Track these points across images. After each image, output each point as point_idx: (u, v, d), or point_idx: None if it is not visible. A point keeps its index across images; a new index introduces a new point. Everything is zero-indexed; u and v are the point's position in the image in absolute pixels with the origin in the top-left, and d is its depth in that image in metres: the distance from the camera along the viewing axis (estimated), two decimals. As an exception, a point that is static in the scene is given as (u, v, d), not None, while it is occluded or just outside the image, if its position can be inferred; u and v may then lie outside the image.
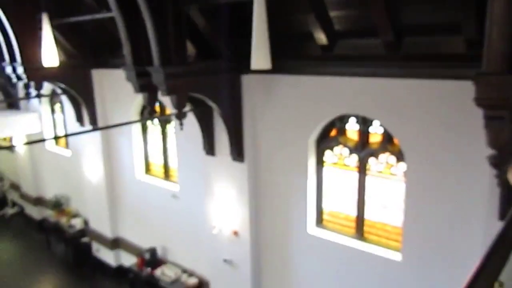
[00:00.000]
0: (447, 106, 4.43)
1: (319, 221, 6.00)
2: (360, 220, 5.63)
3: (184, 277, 7.87)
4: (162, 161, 8.30)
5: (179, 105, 5.28)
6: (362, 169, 5.46)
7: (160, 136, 8.19)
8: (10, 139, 13.38)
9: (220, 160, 6.54)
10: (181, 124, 5.41)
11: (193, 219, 7.60)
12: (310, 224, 5.96)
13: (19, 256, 11.52)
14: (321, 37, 4.90)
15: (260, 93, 5.97)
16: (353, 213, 5.69)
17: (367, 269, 5.45)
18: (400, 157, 5.07)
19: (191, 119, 6.29)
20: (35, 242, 11.83)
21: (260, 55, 3.44)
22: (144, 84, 5.41)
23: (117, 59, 7.66)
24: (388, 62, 4.66)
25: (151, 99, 5.57)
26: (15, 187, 13.78)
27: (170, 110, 7.26)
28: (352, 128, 5.49)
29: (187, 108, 5.79)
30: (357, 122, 5.40)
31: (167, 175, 8.28)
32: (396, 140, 5.05)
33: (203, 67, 5.55)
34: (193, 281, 7.73)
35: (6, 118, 10.85)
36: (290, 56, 5.32)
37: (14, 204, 13.87)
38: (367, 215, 5.59)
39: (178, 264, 8.24)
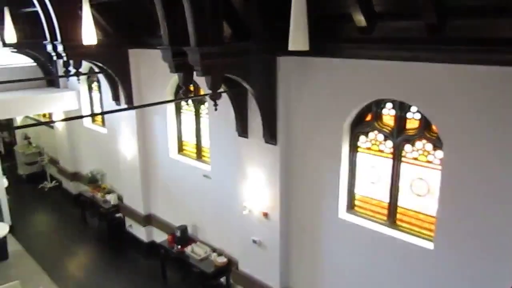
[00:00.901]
0: (491, 93, 4.26)
1: (351, 206, 5.96)
2: (392, 207, 5.55)
3: (213, 256, 8.01)
4: (195, 141, 8.41)
5: (213, 86, 5.29)
6: (397, 155, 5.36)
7: (194, 117, 8.28)
8: (50, 116, 13.84)
9: (252, 142, 6.56)
10: (215, 105, 5.43)
11: (224, 199, 7.69)
12: (341, 209, 5.92)
13: (56, 228, 12.01)
14: (360, 19, 4.78)
15: (295, 76, 5.92)
16: (386, 199, 5.61)
17: (397, 256, 5.39)
18: (437, 144, 4.94)
19: (225, 100, 6.30)
20: (71, 215, 12.30)
21: (298, 36, 3.39)
22: (180, 64, 5.44)
23: (154, 39, 7.73)
24: (430, 46, 4.51)
25: (186, 79, 5.61)
26: (53, 162, 14.29)
27: (204, 90, 7.31)
28: (389, 113, 5.37)
29: (222, 89, 5.81)
30: (394, 107, 5.28)
31: (199, 155, 8.38)
32: (434, 127, 4.91)
33: (239, 48, 5.52)
34: (222, 260, 7.86)
35: (46, 95, 11.21)
36: (327, 38, 5.22)
37: (52, 178, 14.42)
38: (400, 202, 5.50)
39: (208, 243, 8.39)
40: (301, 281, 6.76)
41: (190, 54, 5.00)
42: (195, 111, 8.21)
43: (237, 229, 7.33)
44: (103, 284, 8.93)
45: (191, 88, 7.80)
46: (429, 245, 5.11)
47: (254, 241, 6.95)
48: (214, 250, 8.18)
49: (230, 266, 7.85)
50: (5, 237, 9.58)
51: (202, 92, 7.64)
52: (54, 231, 11.79)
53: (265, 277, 7.04)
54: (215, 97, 5.40)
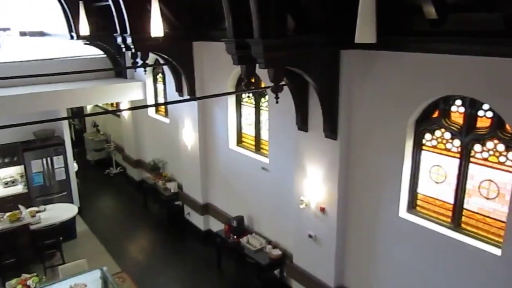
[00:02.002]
0: None
1: (412, 205, 5.76)
2: (457, 209, 5.29)
3: (268, 248, 8.07)
4: (254, 134, 8.48)
5: (276, 79, 5.30)
6: (464, 155, 5.09)
7: (254, 109, 8.35)
8: (117, 105, 14.53)
9: (312, 136, 6.51)
10: (276, 97, 5.44)
11: (281, 192, 7.71)
12: (402, 208, 5.74)
13: (119, 211, 12.65)
14: (431, 10, 4.57)
15: (359, 70, 5.79)
16: (451, 200, 5.36)
17: (461, 261, 5.13)
18: (510, 145, 4.64)
19: (285, 93, 6.29)
20: (134, 200, 12.89)
21: (366, 28, 3.31)
22: (243, 56, 5.49)
23: (217, 31, 7.87)
24: (507, 40, 4.22)
25: (248, 72, 5.66)
26: (119, 149, 15.02)
27: (265, 83, 7.35)
28: (458, 111, 5.11)
29: (283, 82, 5.80)
30: (464, 104, 5.01)
31: (258, 147, 8.46)
32: (508, 126, 4.61)
33: (302, 41, 5.48)
34: (276, 252, 7.90)
35: (114, 85, 11.76)
36: (395, 30, 5.03)
37: (117, 165, 15.16)
38: (466, 205, 5.24)
39: (263, 234, 8.46)
40: (356, 280, 6.65)
41: (254, 46, 5.03)
42: (256, 104, 8.28)
43: (293, 222, 7.33)
44: (162, 268, 9.30)
45: (253, 80, 7.88)
46: (496, 251, 4.82)
47: (310, 236, 6.92)
48: (269, 242, 8.24)
49: (284, 259, 7.87)
50: (74, 218, 10.21)
51: (263, 85, 7.68)
52: (117, 215, 12.42)
53: (319, 273, 7.00)
54: (276, 89, 5.40)
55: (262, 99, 8.11)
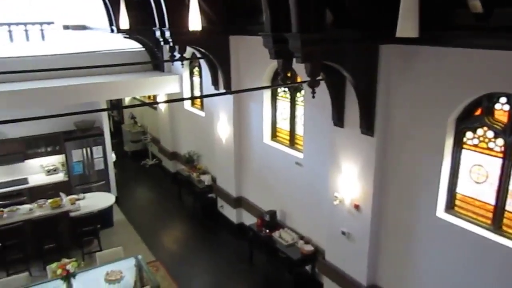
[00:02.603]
0: None
1: (450, 205, 5.60)
2: (499, 210, 5.10)
3: (300, 243, 8.05)
4: (289, 128, 8.46)
5: (312, 73, 5.26)
6: (508, 155, 4.90)
7: (289, 104, 8.32)
8: (154, 98, 14.81)
9: (348, 132, 6.43)
10: (313, 92, 5.40)
11: (315, 188, 7.67)
12: (440, 207, 5.59)
13: (154, 202, 12.94)
14: (476, 4, 4.39)
15: (398, 65, 5.66)
16: (492, 202, 5.18)
17: (501, 264, 4.95)
18: (559, 145, 4.43)
19: (322, 88, 6.23)
20: (168, 191, 13.15)
21: (407, 22, 3.23)
22: (280, 51, 5.48)
23: (254, 25, 7.86)
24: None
25: (285, 66, 5.64)
26: (155, 141, 15.33)
27: (301, 78, 7.30)
28: (502, 109, 4.92)
29: (320, 76, 5.75)
30: (509, 102, 4.82)
31: (292, 142, 8.43)
32: (556, 126, 4.41)
33: (340, 35, 5.39)
34: (308, 248, 7.88)
35: (152, 78, 11.99)
36: (438, 25, 4.88)
37: (153, 156, 15.49)
38: (508, 206, 5.04)
39: (296, 229, 8.45)
40: (389, 279, 6.53)
41: (291, 40, 5.01)
42: (291, 98, 8.25)
43: (326, 218, 7.27)
44: (194, 259, 9.45)
45: (289, 75, 7.84)
46: (540, 256, 4.64)
47: (343, 233, 6.85)
48: (301, 237, 8.22)
49: (316, 255, 7.84)
50: (111, 207, 10.51)
51: (299, 79, 7.64)
52: (152, 205, 12.71)
53: (351, 271, 6.93)
54: (313, 84, 5.36)
55: (298, 94, 8.07)
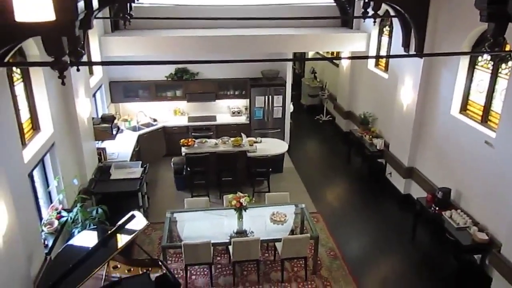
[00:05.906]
0: None
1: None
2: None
3: (473, 229, 7.34)
4: (484, 103, 7.55)
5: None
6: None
7: (490, 75, 7.37)
8: (337, 54, 14.74)
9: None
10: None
11: (504, 173, 6.78)
12: None
13: (322, 157, 13.24)
14: None
15: None
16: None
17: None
18: None
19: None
20: (338, 149, 13.29)
21: None
22: (494, 13, 4.82)
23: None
24: None
25: (498, 31, 4.93)
26: (332, 98, 15.44)
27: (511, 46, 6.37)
28: None
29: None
30: None
31: (485, 118, 7.52)
32: None
33: None
34: (482, 236, 7.13)
35: (338, 34, 11.87)
36: None
37: (327, 113, 15.68)
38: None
39: (470, 213, 7.71)
40: None
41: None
42: (493, 70, 7.28)
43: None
44: (354, 219, 9.48)
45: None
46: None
47: (531, 229, 6.01)
48: (475, 223, 7.48)
49: (490, 246, 7.08)
50: (283, 154, 11.14)
51: (508, 48, 6.66)
52: (320, 160, 13.02)
53: (533, 272, 6.10)
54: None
55: (503, 65, 7.06)
